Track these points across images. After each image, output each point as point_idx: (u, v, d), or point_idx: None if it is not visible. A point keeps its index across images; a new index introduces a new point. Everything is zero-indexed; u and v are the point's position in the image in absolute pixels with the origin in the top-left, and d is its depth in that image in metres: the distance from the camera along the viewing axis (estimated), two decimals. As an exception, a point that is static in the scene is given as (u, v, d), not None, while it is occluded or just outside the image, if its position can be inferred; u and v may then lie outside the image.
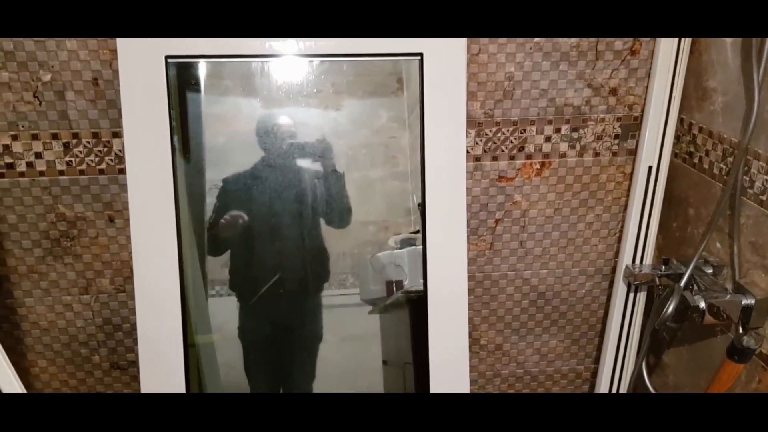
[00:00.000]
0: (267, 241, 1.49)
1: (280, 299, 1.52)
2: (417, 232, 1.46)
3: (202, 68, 1.34)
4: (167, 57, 1.22)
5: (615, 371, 1.58)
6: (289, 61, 1.33)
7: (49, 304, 1.43)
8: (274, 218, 1.45)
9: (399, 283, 1.53)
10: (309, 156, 1.42)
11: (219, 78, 1.38)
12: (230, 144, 1.44)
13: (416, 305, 1.45)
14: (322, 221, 1.48)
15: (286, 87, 1.37)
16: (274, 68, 1.35)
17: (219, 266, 1.52)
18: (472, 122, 1.41)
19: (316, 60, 1.33)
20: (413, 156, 1.41)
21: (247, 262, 1.52)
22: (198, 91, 1.35)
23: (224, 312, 1.52)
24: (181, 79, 1.31)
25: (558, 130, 1.45)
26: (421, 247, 1.39)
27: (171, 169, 1.25)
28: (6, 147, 1.31)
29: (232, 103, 1.41)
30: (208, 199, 1.44)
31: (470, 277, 1.53)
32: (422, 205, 1.38)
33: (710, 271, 1.29)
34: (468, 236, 1.48)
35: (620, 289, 1.50)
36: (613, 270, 1.57)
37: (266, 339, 1.62)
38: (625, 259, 1.47)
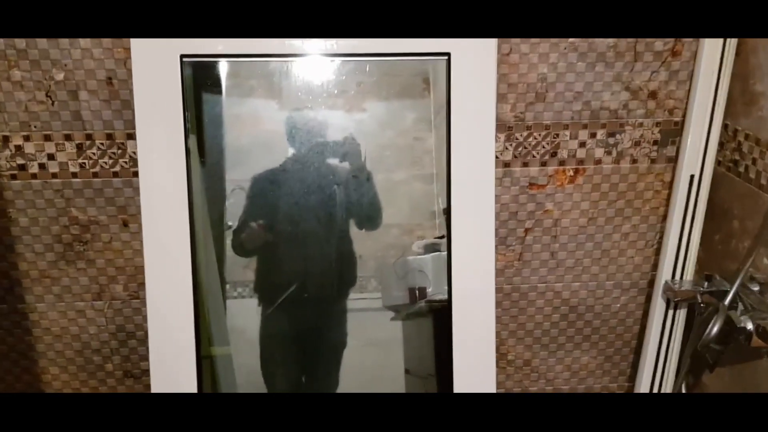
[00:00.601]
0: (294, 243, 1.43)
1: (304, 303, 1.47)
2: (442, 237, 1.40)
3: (222, 68, 1.29)
4: (182, 56, 1.17)
5: (651, 392, 1.49)
6: (313, 60, 1.27)
7: (62, 310, 1.39)
8: (302, 219, 1.40)
9: (422, 291, 1.47)
10: (337, 155, 1.37)
11: (240, 78, 1.33)
12: (254, 144, 1.40)
13: (440, 315, 1.38)
14: (351, 223, 1.43)
15: (309, 87, 1.32)
16: (297, 69, 1.30)
17: (241, 268, 1.48)
18: (501, 126, 1.34)
19: (339, 59, 1.27)
20: (439, 158, 1.35)
21: (273, 264, 1.47)
22: (218, 92, 1.31)
23: (245, 315, 1.48)
24: (198, 80, 1.26)
25: (593, 135, 1.37)
26: (445, 253, 1.32)
27: (185, 173, 1.20)
28: (18, 148, 1.27)
29: (254, 104, 1.36)
30: (229, 201, 1.40)
31: (498, 289, 1.45)
32: (447, 213, 1.31)
33: (757, 288, 1.20)
34: (496, 246, 1.41)
35: (659, 305, 1.41)
36: (650, 284, 1.48)
37: (289, 344, 1.56)
38: (664, 274, 1.38)
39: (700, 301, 1.29)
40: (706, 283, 1.30)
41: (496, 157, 1.35)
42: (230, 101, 1.33)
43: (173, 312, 1.25)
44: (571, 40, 1.29)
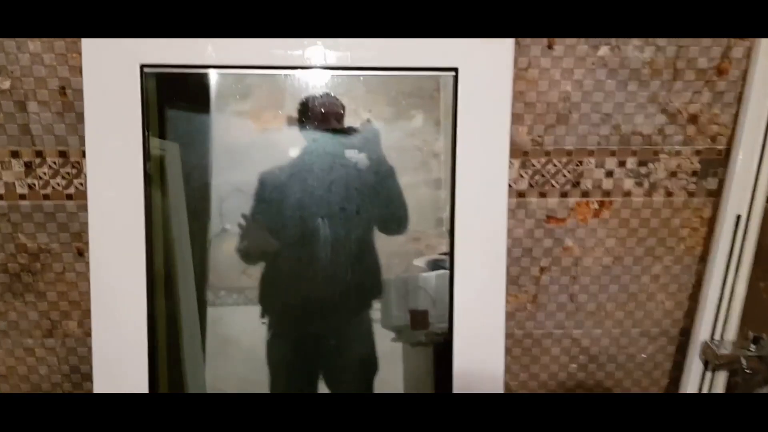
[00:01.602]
0: (306, 246, 1.24)
1: (318, 316, 1.29)
2: (446, 254, 1.23)
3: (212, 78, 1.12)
4: (143, 66, 1.00)
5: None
6: (313, 74, 1.11)
7: (8, 348, 1.22)
8: (315, 220, 1.22)
9: (424, 314, 1.30)
10: (355, 145, 1.20)
11: (229, 90, 1.16)
12: (254, 142, 1.22)
13: (442, 351, 1.21)
14: (373, 225, 1.26)
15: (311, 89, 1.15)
16: (295, 80, 1.13)
17: (239, 273, 1.31)
18: (516, 150, 1.16)
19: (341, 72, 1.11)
20: (447, 162, 1.17)
21: (281, 271, 1.28)
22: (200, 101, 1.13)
23: (240, 323, 1.32)
24: (166, 91, 1.08)
25: (622, 164, 1.18)
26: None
27: (143, 202, 1.03)
28: (-43, 165, 1.11)
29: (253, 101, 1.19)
30: (225, 203, 1.23)
31: (508, 335, 1.28)
32: (451, 249, 1.14)
33: (815, 355, 1.01)
34: (506, 286, 1.23)
35: (695, 366, 1.21)
36: (682, 332, 1.30)
37: (304, 366, 1.36)
38: (702, 330, 1.18)
39: (744, 366, 1.10)
40: (753, 346, 1.11)
41: (509, 185, 1.17)
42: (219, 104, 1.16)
43: (123, 362, 1.08)
44: (600, 53, 1.10)
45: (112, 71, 1.00)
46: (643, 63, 1.12)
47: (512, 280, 1.25)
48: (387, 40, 1.05)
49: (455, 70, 1.05)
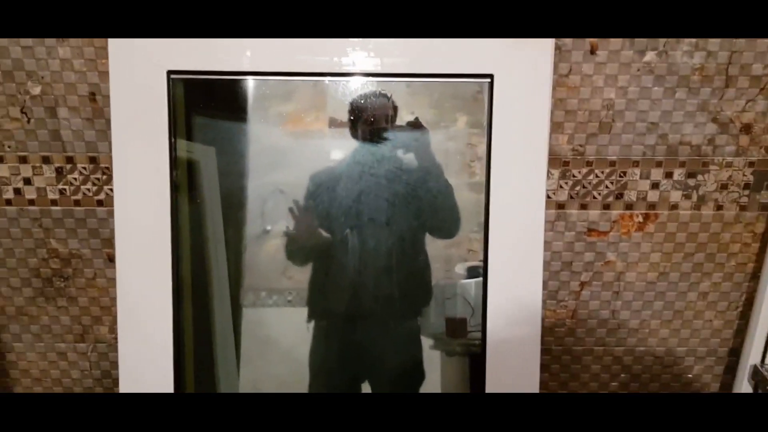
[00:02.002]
0: (354, 250, 1.21)
1: (366, 322, 1.25)
2: None
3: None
4: (170, 72, 0.98)
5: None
6: (353, 81, 1.08)
7: (41, 351, 1.23)
8: (364, 221, 1.18)
9: (462, 323, 1.26)
10: (403, 145, 1.16)
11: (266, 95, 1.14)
12: (299, 143, 1.20)
13: (478, 362, 1.17)
14: (422, 228, 1.21)
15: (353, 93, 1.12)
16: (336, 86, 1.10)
17: (279, 274, 1.29)
18: (555, 160, 1.11)
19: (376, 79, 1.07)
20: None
21: (330, 275, 1.24)
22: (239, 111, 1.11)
23: (281, 325, 1.30)
24: (193, 97, 1.06)
25: (669, 175, 1.12)
26: None
27: (169, 208, 1.01)
28: (-10, 170, 1.11)
29: (292, 104, 1.17)
30: (267, 205, 1.21)
31: (546, 351, 1.23)
32: (485, 261, 1.10)
33: None
34: (544, 301, 1.18)
35: (743, 390, 1.14)
36: (731, 352, 1.23)
37: (344, 373, 1.33)
38: (753, 352, 1.12)
39: (798, 393, 1.03)
40: (807, 372, 1.04)
41: (548, 196, 1.12)
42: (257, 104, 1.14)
43: (149, 362, 1.07)
44: (646, 59, 1.04)
45: (139, 78, 0.99)
46: (693, 69, 1.06)
47: (551, 295, 1.20)
48: (422, 47, 1.01)
49: (491, 76, 1.01)
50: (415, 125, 1.14)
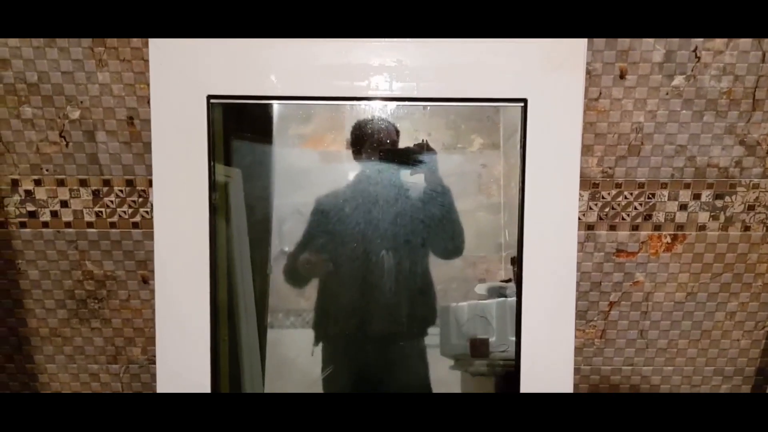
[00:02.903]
0: (360, 273, 1.22)
1: (373, 345, 1.26)
2: (508, 280, 1.19)
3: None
4: (210, 97, 1.00)
5: None
6: (373, 105, 1.09)
7: (74, 372, 1.24)
8: (370, 244, 1.19)
9: (484, 343, 1.26)
10: (409, 166, 1.17)
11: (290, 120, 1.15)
12: (317, 163, 1.21)
13: (504, 381, 1.18)
14: (426, 249, 1.22)
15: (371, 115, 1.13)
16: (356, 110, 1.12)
17: (296, 295, 1.30)
18: (585, 182, 1.13)
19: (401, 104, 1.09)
20: (507, 187, 1.15)
21: (335, 297, 1.26)
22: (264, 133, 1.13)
23: (296, 345, 1.30)
24: (232, 119, 1.08)
25: (697, 197, 1.14)
26: (511, 299, 1.14)
27: (207, 232, 1.03)
28: (28, 193, 1.12)
29: (314, 127, 1.18)
30: (285, 225, 1.23)
31: (575, 370, 1.23)
32: (518, 279, 1.11)
33: None
34: (574, 320, 1.19)
35: (774, 410, 1.16)
36: (759, 372, 1.24)
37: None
38: (783, 373, 1.14)
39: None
40: (839, 392, 1.05)
41: (579, 218, 1.14)
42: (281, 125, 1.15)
43: (188, 385, 1.08)
44: (675, 83, 1.06)
45: (179, 102, 1.01)
46: (721, 92, 1.08)
47: (580, 315, 1.21)
48: (455, 71, 1.03)
49: (524, 101, 1.03)
50: (423, 148, 1.16)
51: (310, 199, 1.21)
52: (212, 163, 1.01)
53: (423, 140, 1.16)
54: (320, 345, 1.28)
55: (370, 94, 1.05)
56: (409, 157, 1.16)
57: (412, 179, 1.18)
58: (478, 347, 1.27)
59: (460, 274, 1.28)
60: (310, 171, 1.23)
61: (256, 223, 1.20)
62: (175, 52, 1.00)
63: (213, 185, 1.02)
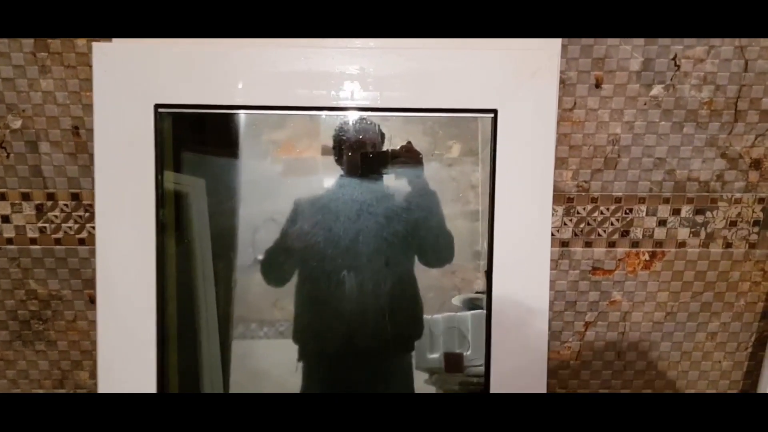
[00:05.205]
0: (342, 282, 1.16)
1: (356, 360, 1.20)
2: (483, 292, 1.14)
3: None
4: (157, 106, 0.94)
5: None
6: (344, 115, 1.04)
7: (18, 398, 1.16)
8: (352, 252, 1.13)
9: (459, 357, 1.21)
10: (394, 170, 1.12)
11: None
12: (293, 168, 1.16)
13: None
14: (413, 257, 1.16)
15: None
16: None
17: (270, 305, 1.24)
18: (559, 197, 1.07)
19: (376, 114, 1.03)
20: (485, 194, 1.09)
21: (314, 308, 1.20)
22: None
23: (270, 356, 1.25)
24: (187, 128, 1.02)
25: (677, 212, 1.08)
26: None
27: (154, 248, 0.96)
28: (-34, 207, 1.05)
29: (283, 133, 1.12)
30: (258, 233, 1.16)
31: (550, 393, 1.18)
32: (488, 297, 1.06)
33: None
34: (548, 341, 1.13)
35: (757, 438, 1.11)
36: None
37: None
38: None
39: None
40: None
41: (552, 234, 1.08)
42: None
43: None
44: (653, 93, 1.01)
45: (124, 110, 0.94)
46: (701, 103, 1.03)
47: (554, 336, 1.15)
48: (423, 80, 0.97)
49: (494, 111, 0.97)
50: (409, 150, 1.10)
51: (284, 207, 1.15)
52: (160, 177, 0.94)
53: (408, 141, 1.10)
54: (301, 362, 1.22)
55: (335, 104, 0.99)
56: (393, 161, 1.11)
57: (396, 184, 1.12)
58: (453, 362, 1.21)
59: (437, 282, 1.23)
60: (281, 179, 1.18)
61: (219, 234, 1.14)
62: (121, 58, 0.94)
63: (160, 199, 0.95)
